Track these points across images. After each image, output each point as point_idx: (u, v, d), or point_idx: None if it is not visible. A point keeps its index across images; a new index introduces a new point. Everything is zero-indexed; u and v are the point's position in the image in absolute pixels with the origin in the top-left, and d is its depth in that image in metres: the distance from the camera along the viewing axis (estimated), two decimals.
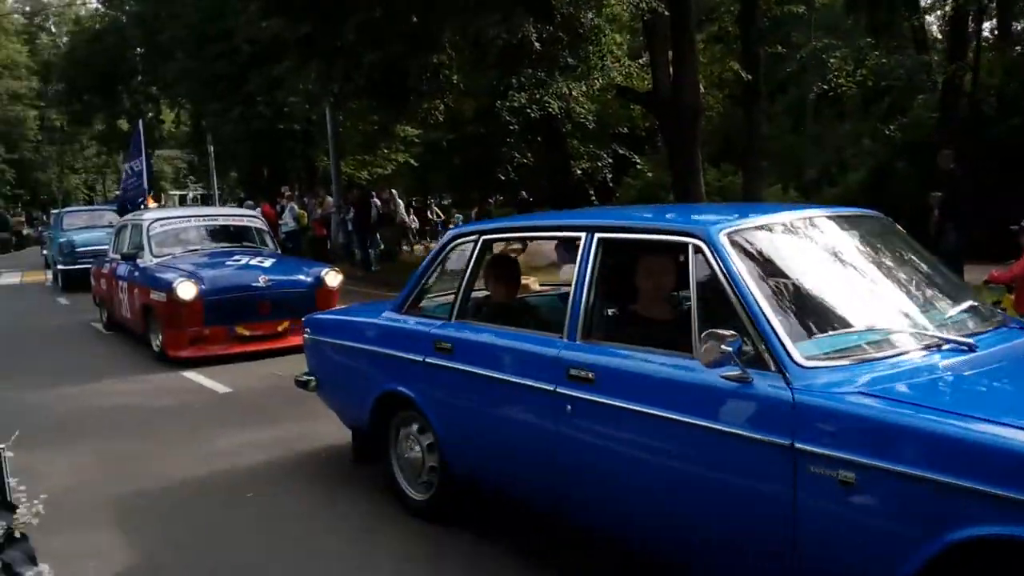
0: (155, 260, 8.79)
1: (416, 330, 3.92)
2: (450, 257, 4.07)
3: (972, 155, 14.93)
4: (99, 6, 34.83)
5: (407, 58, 12.87)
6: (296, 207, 20.50)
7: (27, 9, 48.69)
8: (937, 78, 17.88)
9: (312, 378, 4.76)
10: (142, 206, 14.32)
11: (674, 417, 2.67)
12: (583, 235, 3.28)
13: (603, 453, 3.00)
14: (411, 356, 3.86)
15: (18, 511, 2.25)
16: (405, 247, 19.66)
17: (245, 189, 31.94)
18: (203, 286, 7.88)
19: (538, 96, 12.56)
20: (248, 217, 10.65)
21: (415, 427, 3.99)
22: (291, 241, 20.87)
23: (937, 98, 18.23)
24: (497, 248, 4.27)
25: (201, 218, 10.18)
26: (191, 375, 7.58)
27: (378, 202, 17.91)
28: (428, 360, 3.76)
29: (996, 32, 20.91)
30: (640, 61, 15.04)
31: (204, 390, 7.09)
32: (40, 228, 29.19)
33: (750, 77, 17.51)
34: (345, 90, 14.78)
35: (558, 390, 3.09)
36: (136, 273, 8.82)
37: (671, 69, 13.31)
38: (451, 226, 24.51)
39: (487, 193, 21.48)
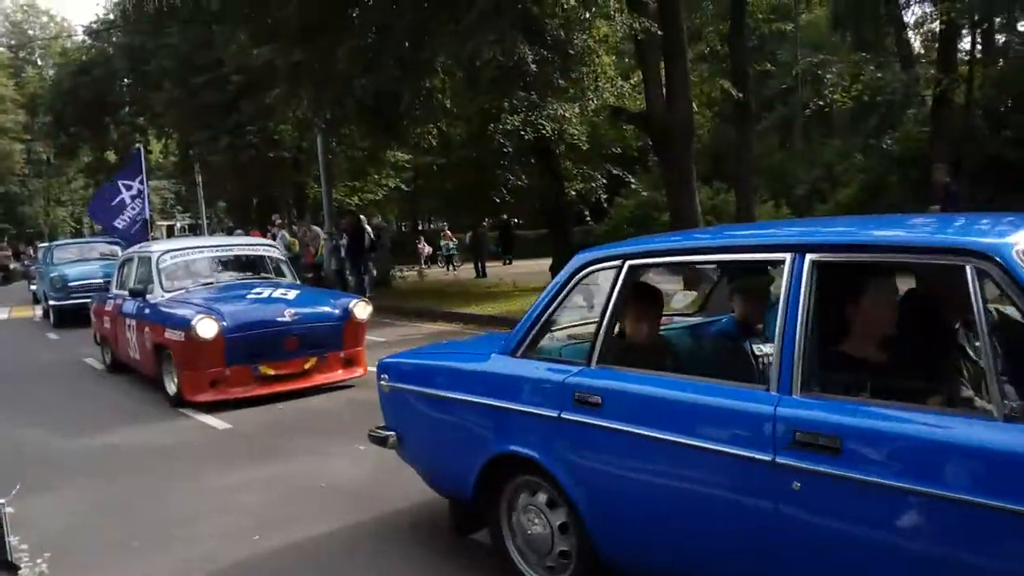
0: (167, 295, 8.04)
1: (545, 378, 3.19)
2: (579, 288, 3.35)
3: (966, 168, 14.97)
4: (85, 38, 34.73)
5: (400, 83, 12.82)
6: (287, 235, 20.37)
7: (12, 43, 48.58)
8: (925, 93, 18.00)
9: (391, 434, 4.00)
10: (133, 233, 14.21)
11: (981, 501, 2.03)
12: (786, 257, 2.62)
13: (850, 544, 2.31)
14: (539, 411, 3.14)
15: (20, 572, 2.07)
16: (412, 273, 19.53)
17: (234, 218, 31.78)
18: (224, 323, 7.12)
19: (531, 118, 12.50)
20: (264, 246, 9.80)
21: (541, 498, 3.28)
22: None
23: (927, 112, 18.33)
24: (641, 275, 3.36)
25: (214, 248, 9.31)
26: (189, 412, 7.36)
27: (369, 228, 17.78)
28: (565, 416, 3.03)
29: (981, 46, 21.12)
30: (632, 81, 15.04)
31: (204, 427, 6.88)
32: (27, 262, 28.83)
33: (740, 95, 17.57)
34: (336, 116, 14.71)
35: (777, 460, 2.42)
36: (147, 310, 8.03)
37: (663, 88, 13.29)
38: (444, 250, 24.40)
39: (480, 216, 21.39)
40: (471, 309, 13.15)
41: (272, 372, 7.38)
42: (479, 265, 21.36)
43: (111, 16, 29.40)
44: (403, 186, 30.27)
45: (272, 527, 4.40)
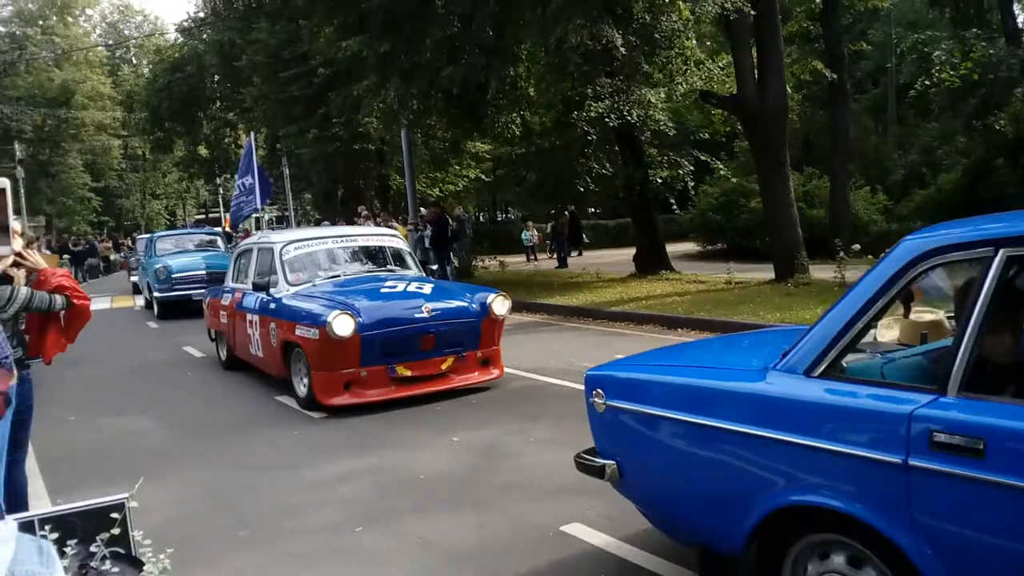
0: (292, 289, 7.53)
1: (875, 410, 2.40)
2: (915, 284, 2.60)
3: None
4: (178, 36, 35.97)
5: (484, 71, 12.78)
6: (373, 226, 20.65)
7: (109, 42, 50.81)
8: None
9: (609, 463, 3.27)
10: (240, 230, 14.22)
11: None
12: None
13: None
14: (867, 453, 2.35)
15: (145, 568, 2.06)
16: (494, 263, 19.50)
17: (320, 209, 32.47)
18: (361, 319, 6.55)
19: (617, 104, 12.27)
20: (387, 236, 9.02)
21: (837, 560, 2.53)
22: None
23: None
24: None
25: (338, 239, 8.57)
26: (284, 400, 7.50)
27: (464, 215, 17.89)
28: (916, 463, 2.24)
29: None
30: (720, 64, 14.61)
31: (302, 416, 6.98)
32: (126, 253, 30.16)
33: (835, 76, 16.91)
34: (422, 107, 14.79)
35: None
36: (272, 305, 7.48)
37: (755, 70, 12.86)
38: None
39: (562, 206, 21.21)
40: (556, 300, 13.05)
41: (409, 373, 6.84)
42: (561, 255, 21.24)
43: (202, 14, 30.33)
44: (483, 176, 30.41)
45: (374, 519, 4.40)
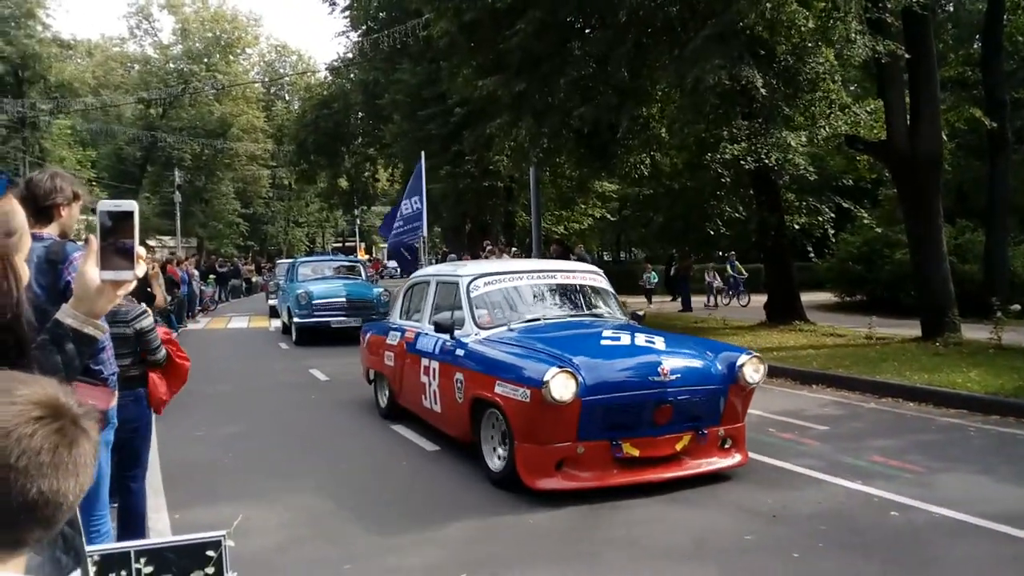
0: (483, 333, 6.25)
1: None
2: None
3: None
4: (327, 75, 38.05)
5: (617, 111, 12.67)
6: (496, 259, 20.88)
7: (266, 79, 54.38)
8: None
9: None
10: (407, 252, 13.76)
11: None
12: None
13: None
14: None
15: None
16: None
17: (448, 243, 33.23)
18: (583, 379, 5.16)
19: (755, 146, 11.84)
20: (589, 273, 7.47)
21: None
22: None
23: None
24: None
25: (533, 274, 7.11)
26: (398, 429, 7.51)
27: (583, 253, 17.75)
28: None
29: None
30: (867, 108, 13.89)
31: (410, 444, 6.96)
32: (267, 277, 31.78)
33: (995, 124, 15.76)
34: (553, 145, 14.83)
35: None
36: (459, 352, 6.19)
37: (907, 115, 12.13)
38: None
39: (691, 249, 20.68)
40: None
41: (636, 453, 5.31)
42: (686, 299, 20.72)
43: (350, 55, 31.96)
44: (608, 216, 30.24)
45: (477, 566, 4.24)
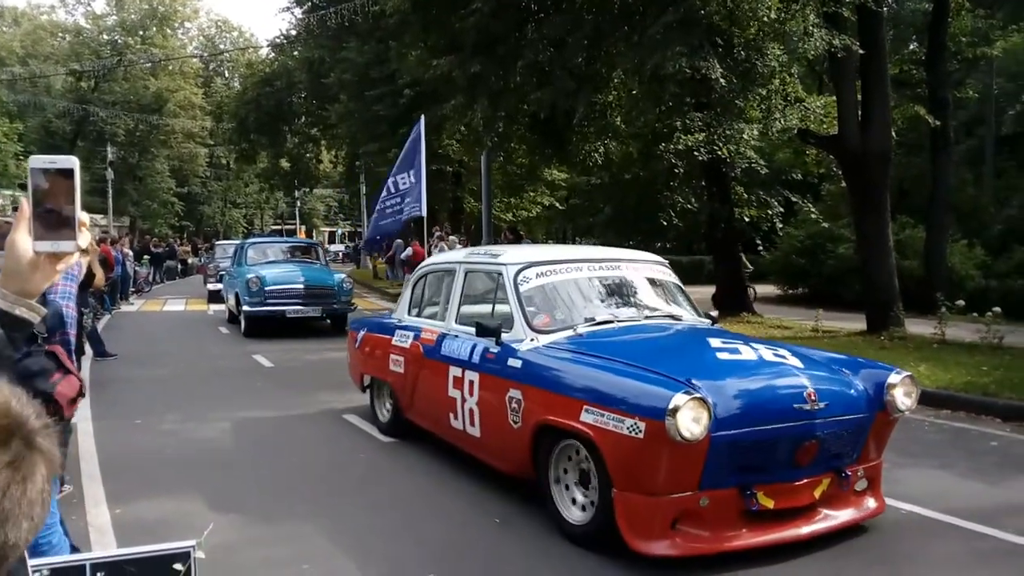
0: (542, 338, 4.82)
1: None
2: None
3: None
4: (270, 52, 36.97)
5: (574, 96, 12.51)
6: (447, 247, 20.59)
7: (204, 54, 52.64)
8: None
9: None
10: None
11: None
12: None
13: None
14: None
15: None
16: None
17: None
18: (715, 408, 3.79)
19: (713, 137, 11.82)
20: (655, 264, 5.96)
21: None
22: None
23: None
24: None
25: (592, 264, 5.58)
26: (351, 418, 7.23)
27: (529, 242, 17.59)
28: None
29: None
30: (818, 103, 14.03)
31: (366, 436, 6.69)
32: (204, 258, 30.81)
33: (938, 123, 16.13)
34: (507, 130, 14.60)
35: None
36: (514, 363, 4.74)
37: (859, 111, 12.26)
38: None
39: (642, 239, 20.75)
40: None
41: (771, 504, 3.97)
42: None
43: (294, 31, 31.05)
44: (557, 204, 30.16)
45: (447, 561, 4.03)
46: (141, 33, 46.86)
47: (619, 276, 5.67)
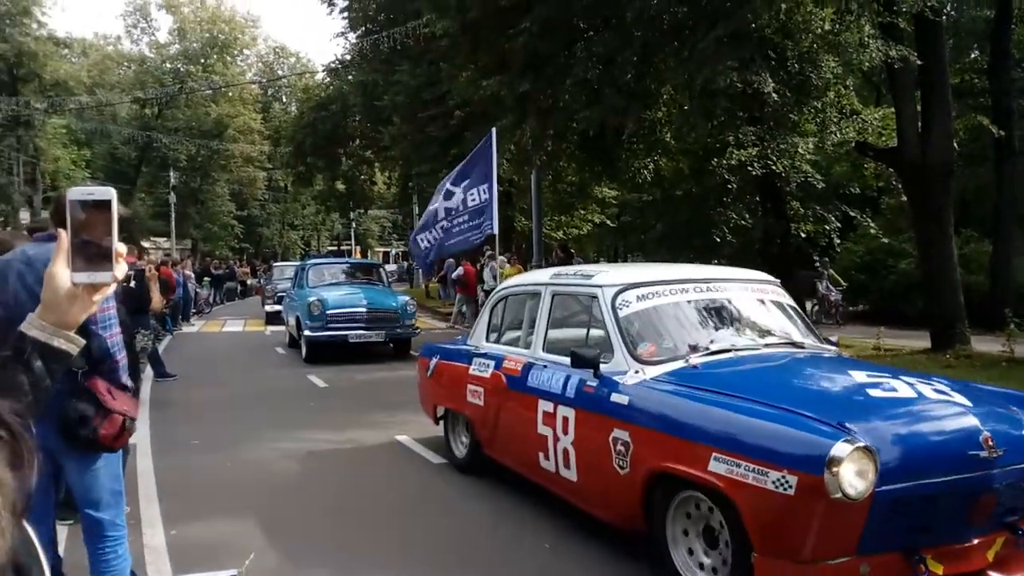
0: (649, 370, 4.21)
1: None
2: None
3: None
4: (326, 77, 37.76)
5: (624, 113, 12.47)
6: (497, 266, 20.63)
7: (263, 80, 54.08)
8: None
9: None
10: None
11: None
12: None
13: None
14: None
15: None
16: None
17: None
18: (880, 457, 3.20)
19: (767, 152, 11.64)
20: (770, 285, 5.24)
21: None
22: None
23: None
24: None
25: (698, 285, 4.93)
26: (403, 439, 7.25)
27: (580, 262, 17.50)
28: None
29: None
30: (876, 115, 13.72)
31: (418, 459, 6.69)
32: (263, 279, 31.48)
33: (1002, 133, 15.61)
34: (556, 149, 14.61)
35: None
36: (619, 398, 4.17)
37: (919, 123, 11.95)
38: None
39: (695, 255, 20.52)
40: None
41: (941, 571, 3.36)
42: None
43: (348, 56, 31.70)
44: (608, 222, 30.02)
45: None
46: (202, 61, 48.40)
47: (729, 298, 5.00)
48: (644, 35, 12.26)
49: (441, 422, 6.49)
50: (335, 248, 56.24)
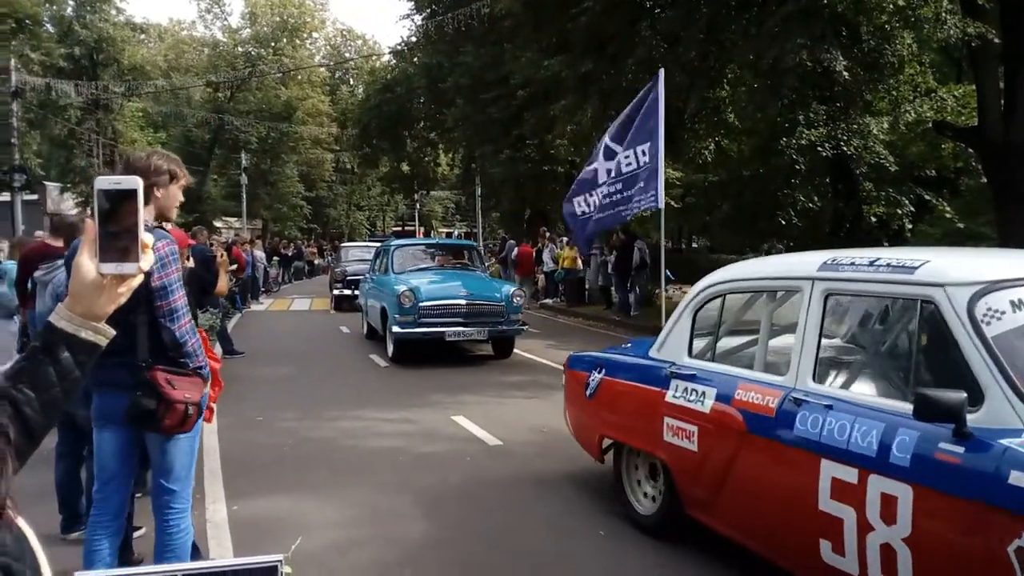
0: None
1: None
2: None
3: None
4: (391, 59, 38.04)
5: (687, 93, 12.23)
6: (555, 248, 20.53)
7: (331, 63, 54.79)
8: None
9: None
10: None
11: None
12: None
13: None
14: None
15: None
16: (680, 292, 18.27)
17: (506, 228, 33.03)
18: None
19: (838, 132, 11.26)
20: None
21: None
22: (550, 281, 20.96)
23: None
24: None
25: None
26: (460, 420, 7.32)
27: (643, 245, 17.25)
28: None
29: None
30: (956, 92, 13.13)
31: (474, 440, 6.75)
32: (330, 259, 32.04)
33: None
34: None
35: None
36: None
37: (1002, 101, 11.38)
38: None
39: (762, 238, 20.06)
40: None
41: None
42: None
43: (414, 38, 31.85)
44: (672, 203, 29.56)
45: (545, 567, 3.99)
46: (273, 45, 49.26)
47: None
48: (711, 11, 11.98)
49: (610, 456, 4.88)
50: (399, 228, 56.84)
